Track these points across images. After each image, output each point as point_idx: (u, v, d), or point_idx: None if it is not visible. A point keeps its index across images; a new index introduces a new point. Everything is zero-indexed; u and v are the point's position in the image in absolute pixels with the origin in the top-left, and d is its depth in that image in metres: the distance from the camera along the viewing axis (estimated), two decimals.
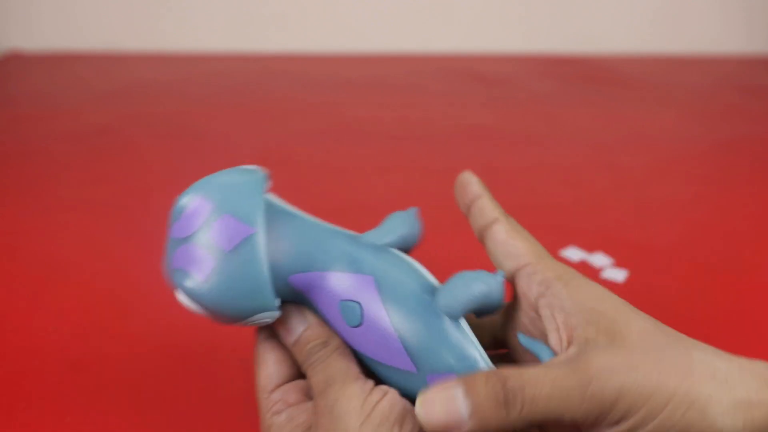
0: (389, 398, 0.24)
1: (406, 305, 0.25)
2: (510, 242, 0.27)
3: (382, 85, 0.96)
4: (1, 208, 0.56)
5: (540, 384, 0.22)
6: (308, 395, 0.27)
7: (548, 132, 0.76)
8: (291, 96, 0.89)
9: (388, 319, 0.25)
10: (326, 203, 0.56)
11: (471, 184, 0.28)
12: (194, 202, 0.25)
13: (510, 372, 0.22)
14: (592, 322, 0.24)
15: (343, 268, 0.26)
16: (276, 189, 0.60)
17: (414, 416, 0.24)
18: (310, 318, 0.27)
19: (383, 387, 0.24)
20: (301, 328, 0.27)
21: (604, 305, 0.24)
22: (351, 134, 0.74)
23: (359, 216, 0.54)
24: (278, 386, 0.27)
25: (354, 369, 0.25)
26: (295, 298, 0.27)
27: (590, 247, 0.50)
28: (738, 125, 0.79)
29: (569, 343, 0.24)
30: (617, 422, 0.22)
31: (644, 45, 1.18)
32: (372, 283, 0.26)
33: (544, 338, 0.26)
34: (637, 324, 0.24)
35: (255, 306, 0.25)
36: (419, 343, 0.25)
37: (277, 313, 0.26)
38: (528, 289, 0.26)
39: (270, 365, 0.27)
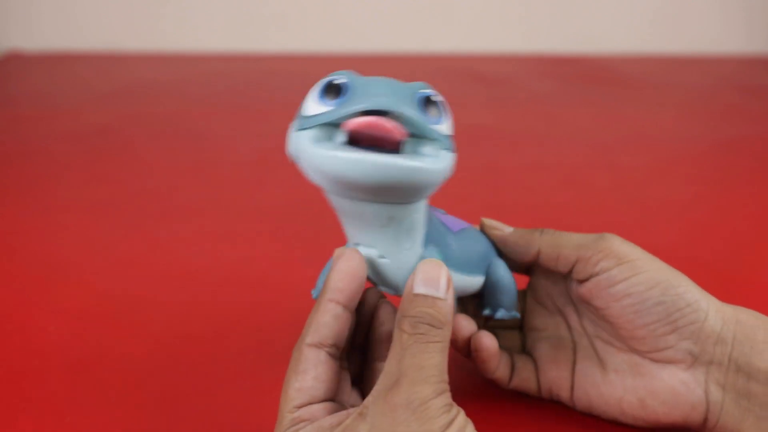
0: (462, 414, 0.23)
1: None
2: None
3: None
4: (1, 208, 0.56)
5: (566, 234, 0.31)
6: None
7: (548, 132, 0.76)
8: (291, 96, 0.89)
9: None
10: (326, 203, 0.56)
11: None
12: None
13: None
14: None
15: None
16: (276, 189, 0.60)
17: None
18: (450, 295, 0.25)
19: (454, 403, 0.24)
20: (436, 292, 0.24)
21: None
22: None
23: None
24: (307, 404, 0.25)
25: (446, 374, 0.24)
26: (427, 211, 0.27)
27: None
28: (738, 125, 0.79)
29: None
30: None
31: (644, 45, 1.18)
32: None
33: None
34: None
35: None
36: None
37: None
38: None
39: (308, 380, 0.25)
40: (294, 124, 0.25)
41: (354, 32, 1.16)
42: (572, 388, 0.31)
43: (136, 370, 0.36)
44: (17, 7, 1.13)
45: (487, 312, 0.31)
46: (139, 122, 0.78)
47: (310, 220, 0.53)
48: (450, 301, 0.24)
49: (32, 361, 0.37)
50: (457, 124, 0.78)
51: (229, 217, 0.54)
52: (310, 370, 0.25)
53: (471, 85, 0.96)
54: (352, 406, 0.27)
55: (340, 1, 1.15)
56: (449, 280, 0.25)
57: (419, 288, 0.24)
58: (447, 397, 0.23)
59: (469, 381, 0.35)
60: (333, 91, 0.23)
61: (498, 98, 0.89)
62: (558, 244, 0.30)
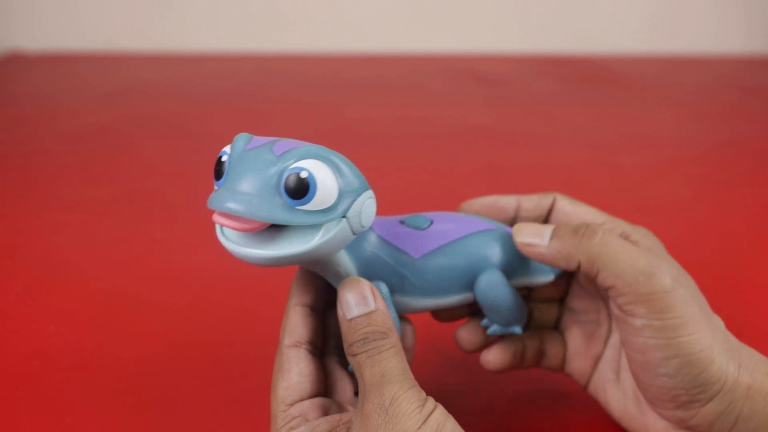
0: (441, 409, 0.23)
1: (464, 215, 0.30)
2: (579, 209, 0.30)
3: (382, 85, 0.96)
4: (1, 208, 0.56)
5: (613, 236, 0.27)
6: (329, 414, 0.26)
7: (548, 132, 0.76)
8: (291, 96, 0.89)
9: (456, 212, 0.30)
10: None
11: (493, 201, 0.31)
12: (254, 138, 0.25)
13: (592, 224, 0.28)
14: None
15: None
16: None
17: None
18: (380, 302, 0.25)
19: (432, 398, 0.24)
20: (366, 308, 0.25)
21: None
22: (351, 134, 0.74)
23: None
24: (298, 401, 0.25)
25: (409, 371, 0.24)
26: (364, 244, 0.26)
27: None
28: (738, 125, 0.79)
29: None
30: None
31: (644, 45, 1.18)
32: (428, 213, 0.29)
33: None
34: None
35: (360, 181, 0.24)
36: (479, 218, 0.30)
37: (371, 198, 0.24)
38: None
39: (293, 376, 0.26)
40: None
41: (354, 32, 1.16)
42: (588, 381, 0.31)
43: (136, 370, 0.36)
44: (18, 7, 1.13)
45: (483, 323, 0.30)
46: (139, 122, 0.78)
47: None
48: (382, 308, 0.25)
49: (32, 361, 0.37)
50: (457, 124, 0.78)
51: None
52: (294, 368, 0.26)
53: (471, 85, 0.96)
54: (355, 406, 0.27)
55: (340, 1, 1.15)
56: (371, 289, 0.25)
57: (349, 313, 0.25)
58: (418, 392, 0.23)
59: (465, 379, 0.35)
60: (219, 169, 0.24)
61: (498, 98, 0.89)
62: (599, 261, 0.27)
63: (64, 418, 0.32)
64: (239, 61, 1.09)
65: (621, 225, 0.29)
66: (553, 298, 0.33)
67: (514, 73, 1.03)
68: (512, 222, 0.31)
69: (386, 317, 0.25)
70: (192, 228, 0.52)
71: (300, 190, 0.22)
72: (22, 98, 0.88)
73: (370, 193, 0.24)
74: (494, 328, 0.30)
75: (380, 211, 0.25)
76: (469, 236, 0.28)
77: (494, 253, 0.28)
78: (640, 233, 0.29)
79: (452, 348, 0.33)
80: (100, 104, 0.85)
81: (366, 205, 0.24)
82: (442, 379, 0.36)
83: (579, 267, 0.27)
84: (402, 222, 0.28)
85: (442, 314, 0.31)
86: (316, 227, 0.23)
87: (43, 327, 0.40)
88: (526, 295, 0.32)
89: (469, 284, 0.28)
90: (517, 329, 0.30)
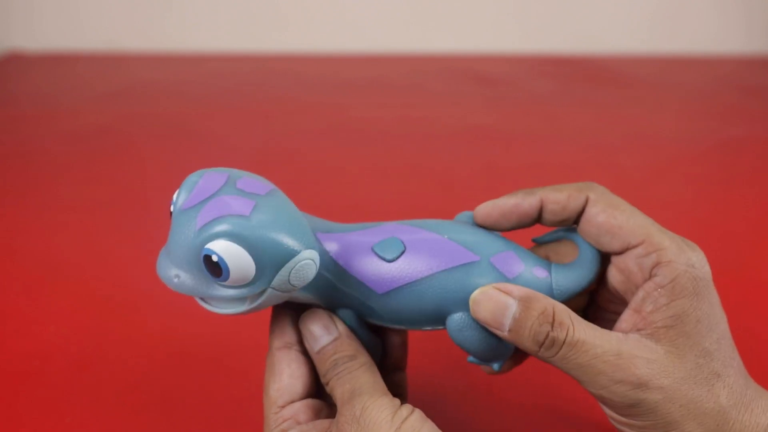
0: (418, 415, 0.23)
1: (444, 224, 0.27)
2: (615, 221, 0.25)
3: (382, 85, 0.96)
4: (1, 208, 0.56)
5: (583, 352, 0.23)
6: (320, 416, 0.26)
7: (548, 132, 0.76)
8: (291, 96, 0.89)
9: (434, 232, 0.26)
10: (326, 203, 0.56)
11: (513, 206, 0.27)
12: (206, 176, 0.24)
13: (566, 321, 0.23)
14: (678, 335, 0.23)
15: (364, 227, 0.27)
16: None
17: None
18: (341, 327, 0.26)
19: (409, 405, 0.23)
20: (330, 337, 0.26)
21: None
22: (351, 134, 0.74)
23: (359, 216, 0.54)
24: (289, 403, 0.26)
25: (381, 384, 0.24)
26: (320, 280, 0.25)
27: None
28: (738, 125, 0.79)
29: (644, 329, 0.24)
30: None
31: (644, 45, 1.18)
32: (401, 224, 0.27)
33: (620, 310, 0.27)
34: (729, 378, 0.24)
35: (298, 240, 0.23)
36: (473, 238, 0.26)
37: (316, 259, 0.24)
38: (636, 270, 0.25)
39: (284, 378, 0.26)
40: None
41: (354, 32, 1.16)
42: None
43: (136, 370, 0.36)
44: (18, 7, 1.13)
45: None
46: (139, 122, 0.78)
47: None
48: (344, 332, 0.26)
49: (32, 361, 0.37)
50: (457, 124, 0.78)
51: None
52: (285, 370, 0.26)
53: (471, 85, 0.96)
54: None
55: (340, 1, 1.15)
56: (331, 318, 0.26)
57: (315, 345, 0.26)
58: (390, 400, 0.23)
59: (457, 382, 0.35)
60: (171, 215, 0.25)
61: (497, 98, 0.89)
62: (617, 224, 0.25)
63: (64, 418, 0.32)
64: (239, 61, 1.09)
65: (669, 244, 0.24)
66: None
67: (514, 73, 1.03)
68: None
69: (350, 340, 0.26)
70: None
71: (215, 270, 0.23)
72: (22, 98, 0.88)
73: (306, 254, 0.23)
74: (471, 359, 0.27)
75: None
76: (441, 273, 0.25)
77: (467, 292, 0.25)
78: (685, 276, 0.24)
79: (448, 352, 0.33)
80: (100, 104, 0.85)
81: (297, 269, 0.23)
82: (438, 383, 0.36)
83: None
84: (372, 248, 0.26)
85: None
86: (242, 298, 0.24)
87: (43, 327, 0.40)
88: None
89: (441, 320, 0.26)
90: (495, 366, 0.27)
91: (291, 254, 0.23)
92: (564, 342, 0.23)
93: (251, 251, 0.22)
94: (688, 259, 0.24)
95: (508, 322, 0.24)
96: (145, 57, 1.10)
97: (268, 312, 0.28)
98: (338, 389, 0.24)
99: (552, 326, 0.23)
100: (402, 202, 0.57)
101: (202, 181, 0.24)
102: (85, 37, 1.14)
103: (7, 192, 0.59)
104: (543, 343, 0.23)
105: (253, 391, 0.34)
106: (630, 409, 0.23)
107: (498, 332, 0.24)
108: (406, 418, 0.23)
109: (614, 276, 0.26)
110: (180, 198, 0.24)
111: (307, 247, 0.23)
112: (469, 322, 0.25)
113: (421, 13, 1.16)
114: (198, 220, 0.23)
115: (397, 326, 0.27)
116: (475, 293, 0.24)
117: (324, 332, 0.26)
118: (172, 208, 0.24)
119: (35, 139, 0.72)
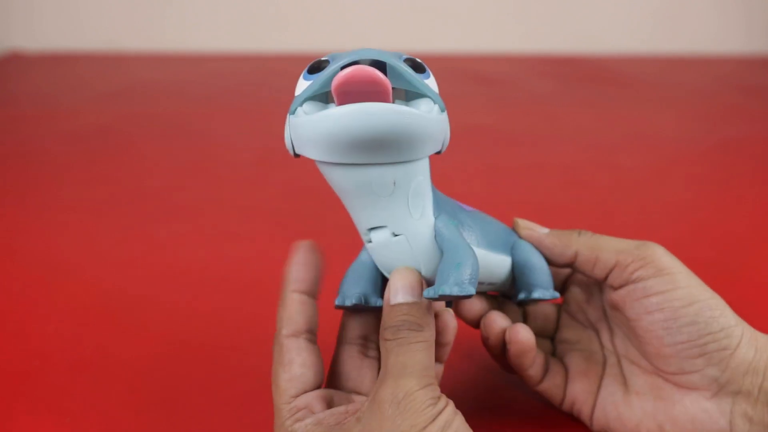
0: (451, 408, 0.23)
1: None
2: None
3: None
4: (1, 208, 0.56)
5: (605, 236, 0.30)
6: (332, 406, 0.25)
7: (548, 132, 0.76)
8: (291, 96, 0.89)
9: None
10: (326, 203, 0.56)
11: (537, 237, 0.31)
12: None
13: None
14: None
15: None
16: (276, 189, 0.60)
17: None
18: (424, 299, 0.25)
19: (444, 397, 0.24)
20: (411, 298, 0.25)
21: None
22: None
23: None
24: (302, 393, 0.25)
25: (432, 368, 0.24)
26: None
27: None
28: (738, 125, 0.79)
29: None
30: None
31: (644, 45, 1.18)
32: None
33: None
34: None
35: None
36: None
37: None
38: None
39: (295, 368, 0.25)
40: (288, 113, 0.26)
41: (354, 32, 1.16)
42: (594, 404, 0.30)
43: (136, 370, 0.36)
44: (18, 7, 1.13)
45: (522, 296, 0.30)
46: (139, 122, 0.78)
47: (310, 220, 0.53)
48: (425, 302, 0.25)
49: (32, 361, 0.37)
50: (457, 124, 0.78)
51: (229, 216, 0.54)
52: (295, 359, 0.25)
53: (471, 85, 0.96)
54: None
55: (340, 1, 1.15)
56: (421, 283, 0.25)
57: (395, 298, 0.25)
58: (433, 390, 0.23)
59: (474, 381, 0.35)
60: (319, 67, 0.24)
61: (498, 98, 0.89)
62: (597, 247, 0.29)
63: (64, 418, 0.32)
64: (239, 61, 1.09)
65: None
66: (545, 333, 0.33)
67: (514, 73, 1.03)
68: None
69: (426, 313, 0.25)
70: (192, 228, 0.52)
71: (418, 66, 0.24)
72: (22, 98, 0.88)
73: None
74: (539, 293, 0.29)
75: None
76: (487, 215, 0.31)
77: (511, 230, 0.32)
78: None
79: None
80: (100, 104, 0.85)
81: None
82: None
83: (575, 258, 0.29)
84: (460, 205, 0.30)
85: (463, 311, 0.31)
86: (430, 108, 0.24)
87: (43, 327, 0.40)
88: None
89: (507, 246, 0.30)
90: (556, 293, 0.30)
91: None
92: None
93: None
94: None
95: (546, 230, 0.31)
96: (145, 57, 1.10)
97: (274, 304, 0.27)
98: (392, 357, 0.24)
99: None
100: None
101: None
102: (85, 37, 1.14)
103: (7, 192, 0.59)
104: (579, 232, 0.30)
105: (254, 391, 0.34)
106: (651, 258, 0.27)
107: (538, 231, 0.31)
108: (442, 410, 0.23)
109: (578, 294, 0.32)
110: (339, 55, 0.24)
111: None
112: (530, 244, 0.31)
113: (421, 13, 1.16)
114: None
115: (481, 251, 0.28)
116: (517, 219, 0.32)
117: (408, 291, 0.25)
118: (329, 56, 0.24)
119: (35, 139, 0.72)
